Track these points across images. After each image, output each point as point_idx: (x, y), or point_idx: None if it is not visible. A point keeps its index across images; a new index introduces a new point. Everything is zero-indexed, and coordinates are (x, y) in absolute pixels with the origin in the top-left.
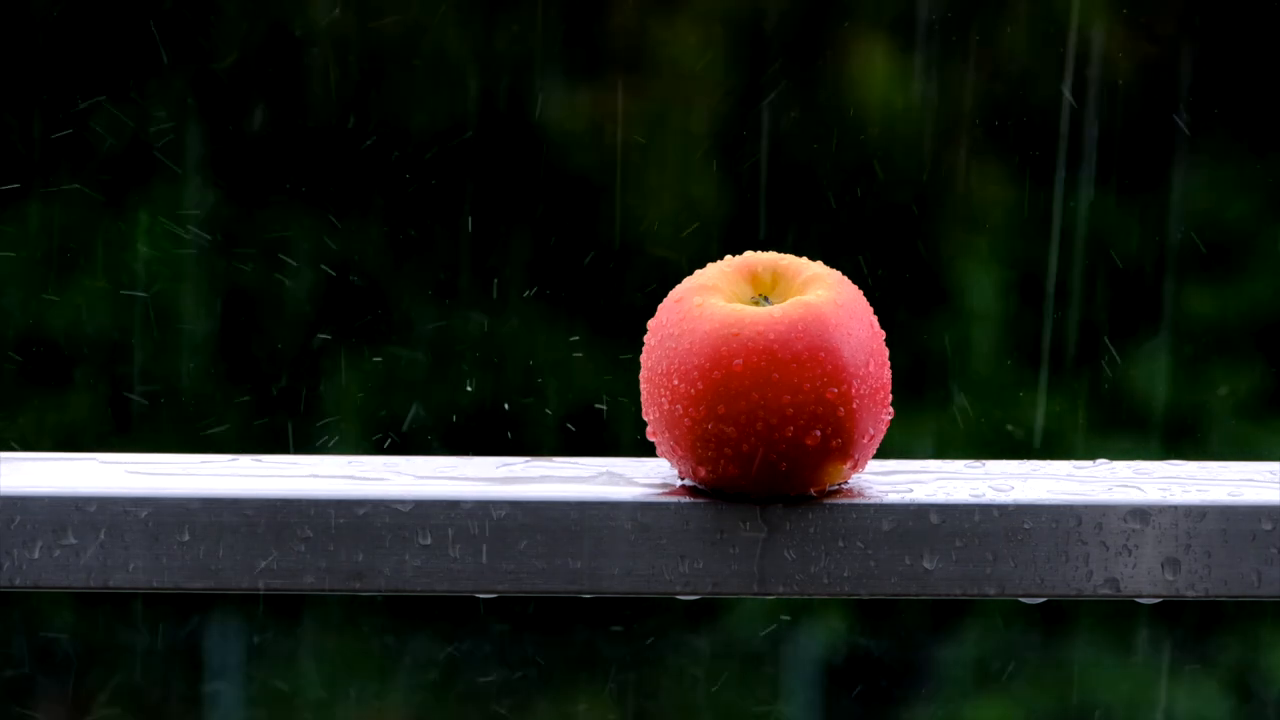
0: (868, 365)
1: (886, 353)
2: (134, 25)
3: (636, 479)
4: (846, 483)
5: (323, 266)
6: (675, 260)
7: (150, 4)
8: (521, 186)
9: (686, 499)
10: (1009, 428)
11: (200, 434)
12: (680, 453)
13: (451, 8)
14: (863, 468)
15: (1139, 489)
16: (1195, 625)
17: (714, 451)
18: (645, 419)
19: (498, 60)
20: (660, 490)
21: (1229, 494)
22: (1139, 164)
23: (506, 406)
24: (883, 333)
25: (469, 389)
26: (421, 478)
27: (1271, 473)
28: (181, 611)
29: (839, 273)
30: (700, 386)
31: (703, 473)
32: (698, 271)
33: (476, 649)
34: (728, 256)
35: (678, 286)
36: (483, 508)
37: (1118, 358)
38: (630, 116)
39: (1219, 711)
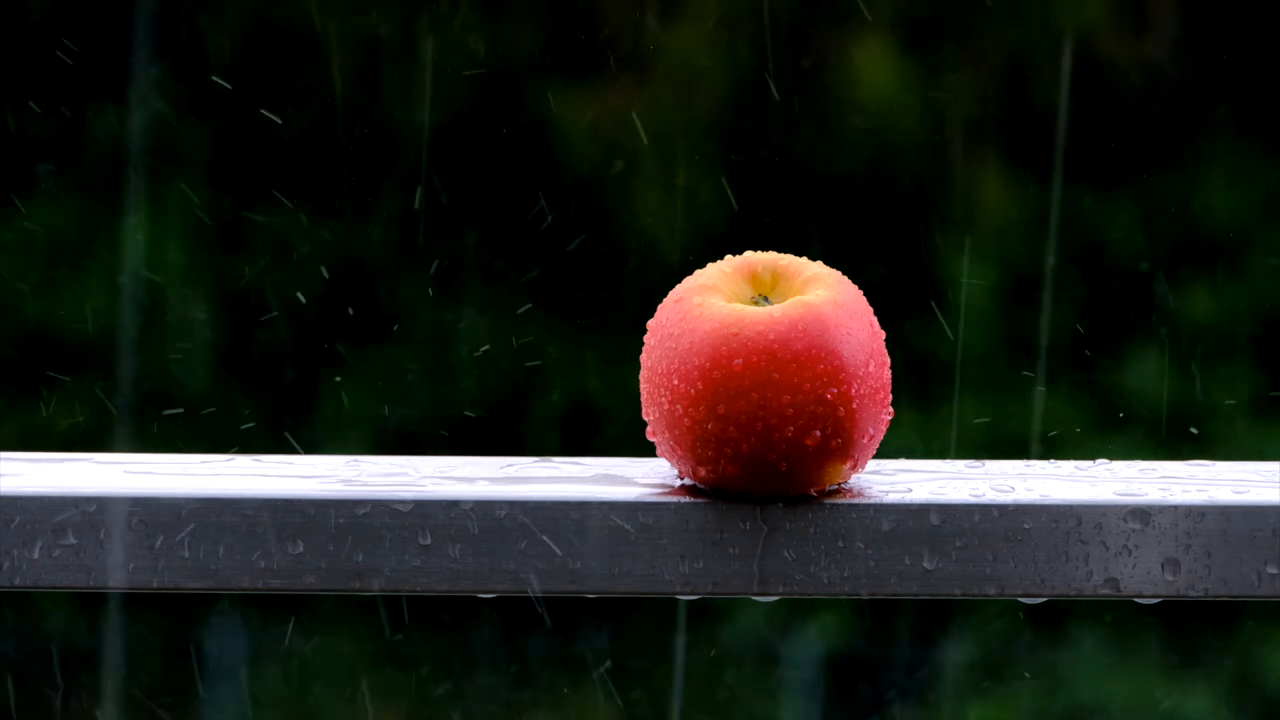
0: (868, 365)
1: (886, 353)
2: (134, 24)
3: (636, 479)
4: (846, 483)
5: (323, 266)
6: (675, 260)
7: (150, 2)
8: (522, 185)
9: (686, 499)
10: (1008, 428)
11: (200, 434)
12: (680, 453)
13: (452, 6)
14: (863, 468)
15: (1139, 489)
16: (1195, 625)
17: (714, 451)
18: (645, 419)
19: (498, 59)
20: (660, 490)
21: (1229, 494)
22: (1138, 163)
23: (506, 406)
24: (883, 333)
25: (469, 389)
26: (421, 478)
27: (1271, 473)
28: (181, 611)
29: (839, 273)
30: (700, 386)
31: (703, 473)
32: (698, 271)
33: (476, 648)
34: (728, 256)
35: (678, 286)
36: (483, 508)
37: (1117, 358)
38: (631, 115)
39: (1219, 712)
